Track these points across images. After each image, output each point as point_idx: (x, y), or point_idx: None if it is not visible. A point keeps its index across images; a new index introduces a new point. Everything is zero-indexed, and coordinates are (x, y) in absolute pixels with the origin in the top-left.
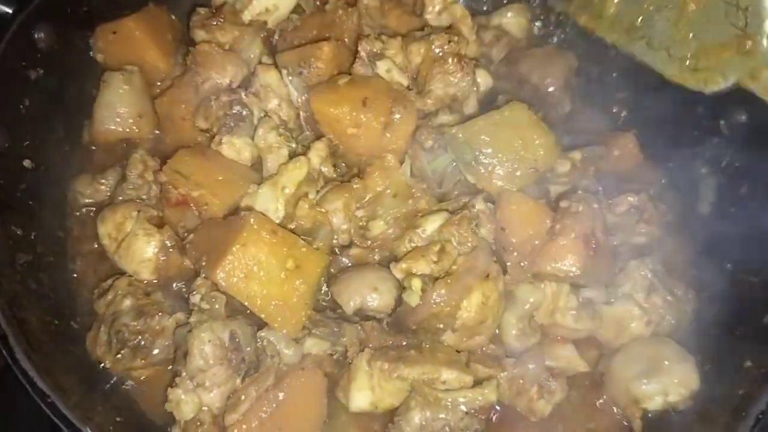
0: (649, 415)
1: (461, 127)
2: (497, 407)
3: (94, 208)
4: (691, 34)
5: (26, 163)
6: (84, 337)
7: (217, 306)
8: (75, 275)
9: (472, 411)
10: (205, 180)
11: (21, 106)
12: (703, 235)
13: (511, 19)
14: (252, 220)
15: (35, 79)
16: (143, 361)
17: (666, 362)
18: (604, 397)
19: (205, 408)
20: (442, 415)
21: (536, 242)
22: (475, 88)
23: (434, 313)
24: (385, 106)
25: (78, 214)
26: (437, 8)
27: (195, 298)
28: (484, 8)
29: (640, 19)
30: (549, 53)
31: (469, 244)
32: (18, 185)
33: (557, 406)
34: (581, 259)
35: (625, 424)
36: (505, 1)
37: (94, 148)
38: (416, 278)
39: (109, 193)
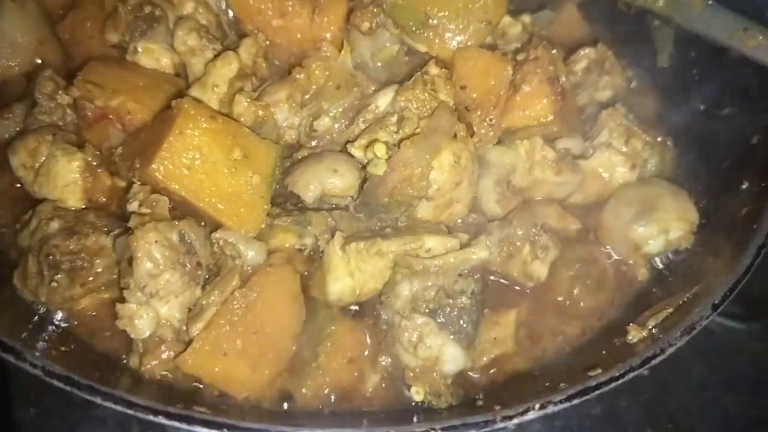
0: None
1: None
2: (491, 277)
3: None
4: None
5: None
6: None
7: (158, 209)
8: None
9: (465, 272)
10: (124, 87)
11: None
12: (668, 85)
13: None
14: (187, 105)
15: None
16: (83, 288)
17: (659, 199)
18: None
19: (164, 322)
20: (432, 281)
21: (500, 94)
22: None
23: (405, 177)
24: None
25: None
26: None
27: (132, 206)
28: None
29: None
30: None
31: (429, 107)
32: None
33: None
34: (551, 103)
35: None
36: None
37: None
38: (379, 144)
39: (18, 128)
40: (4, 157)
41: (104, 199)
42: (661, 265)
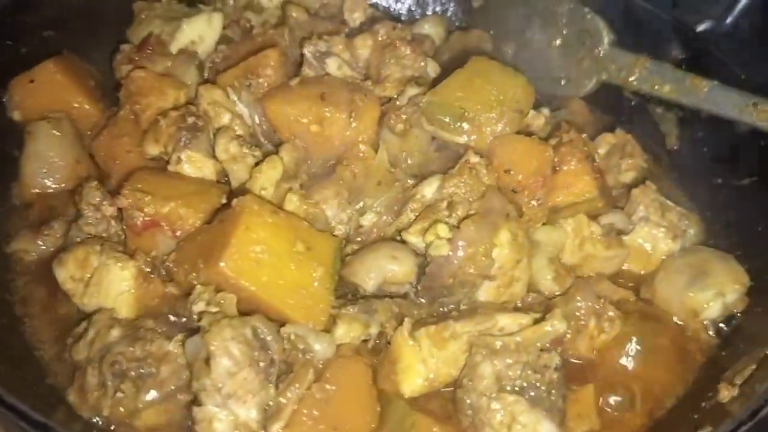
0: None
1: (432, 91)
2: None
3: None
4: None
5: None
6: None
7: (226, 307)
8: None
9: (547, 346)
10: (174, 193)
11: None
12: (682, 164)
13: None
14: (250, 201)
15: None
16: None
17: (709, 264)
18: None
19: (242, 424)
20: (514, 359)
21: (545, 174)
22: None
23: (469, 255)
24: (344, 96)
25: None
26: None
27: (199, 306)
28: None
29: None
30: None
31: (477, 191)
32: None
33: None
34: (593, 180)
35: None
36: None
37: (27, 208)
38: (441, 224)
39: (59, 243)
40: (41, 273)
41: (158, 308)
42: (723, 329)
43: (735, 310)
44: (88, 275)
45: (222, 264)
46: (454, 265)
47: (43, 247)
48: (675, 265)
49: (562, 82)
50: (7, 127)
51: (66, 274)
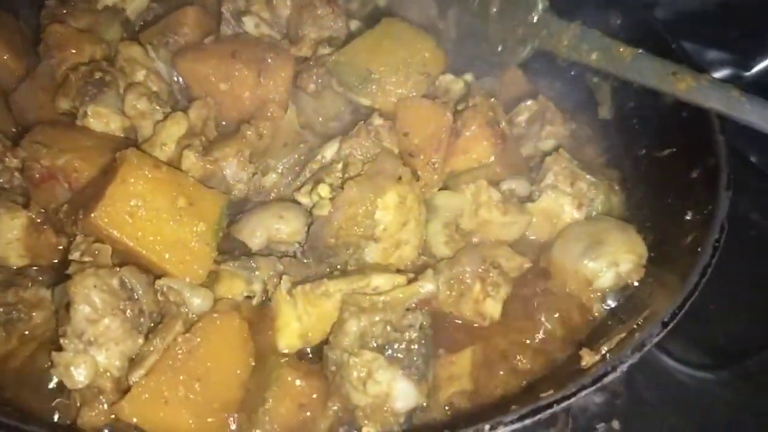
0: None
1: (340, 51)
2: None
3: None
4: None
5: None
6: None
7: (100, 258)
8: None
9: (413, 306)
10: (71, 146)
11: None
12: (611, 134)
13: None
14: (130, 155)
15: None
16: (21, 341)
17: (606, 234)
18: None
19: (102, 371)
20: (380, 317)
21: (440, 138)
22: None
23: (350, 215)
24: (255, 54)
25: None
26: None
27: (74, 256)
28: None
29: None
30: None
31: (373, 153)
32: None
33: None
34: (491, 146)
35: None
36: None
37: None
38: (323, 185)
39: None
40: None
41: (49, 258)
42: (613, 303)
43: (630, 281)
44: None
45: (94, 215)
46: (334, 225)
47: None
48: (573, 233)
49: (499, 48)
50: None
51: None
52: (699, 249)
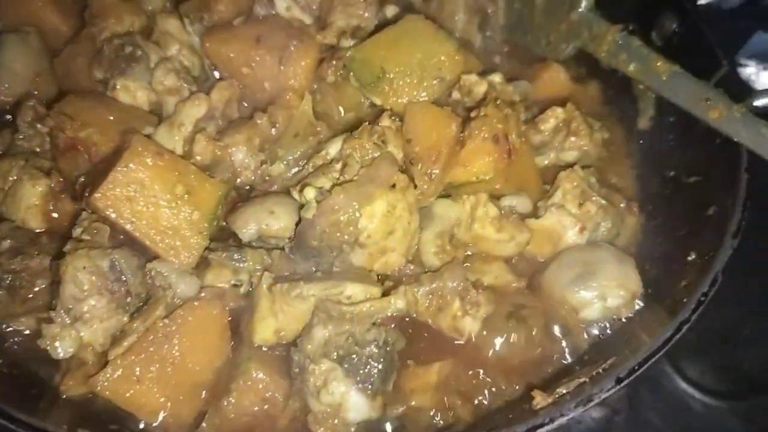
0: (595, 331)
1: (357, 48)
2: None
3: None
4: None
5: None
6: None
7: (98, 237)
8: None
9: (378, 321)
10: (94, 120)
11: None
12: (645, 148)
13: None
14: (135, 141)
15: None
16: (23, 306)
17: (601, 265)
18: None
19: (86, 345)
20: (346, 328)
21: (440, 150)
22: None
23: (333, 222)
24: (279, 41)
25: None
26: None
27: (76, 232)
28: None
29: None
30: None
31: (372, 156)
32: None
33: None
34: (493, 162)
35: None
36: None
37: None
38: (309, 187)
39: (1, 151)
40: None
41: (66, 225)
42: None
43: (617, 316)
44: (8, 187)
45: (96, 195)
46: (318, 229)
47: None
48: (568, 259)
49: (543, 43)
50: None
51: None
52: (685, 300)
